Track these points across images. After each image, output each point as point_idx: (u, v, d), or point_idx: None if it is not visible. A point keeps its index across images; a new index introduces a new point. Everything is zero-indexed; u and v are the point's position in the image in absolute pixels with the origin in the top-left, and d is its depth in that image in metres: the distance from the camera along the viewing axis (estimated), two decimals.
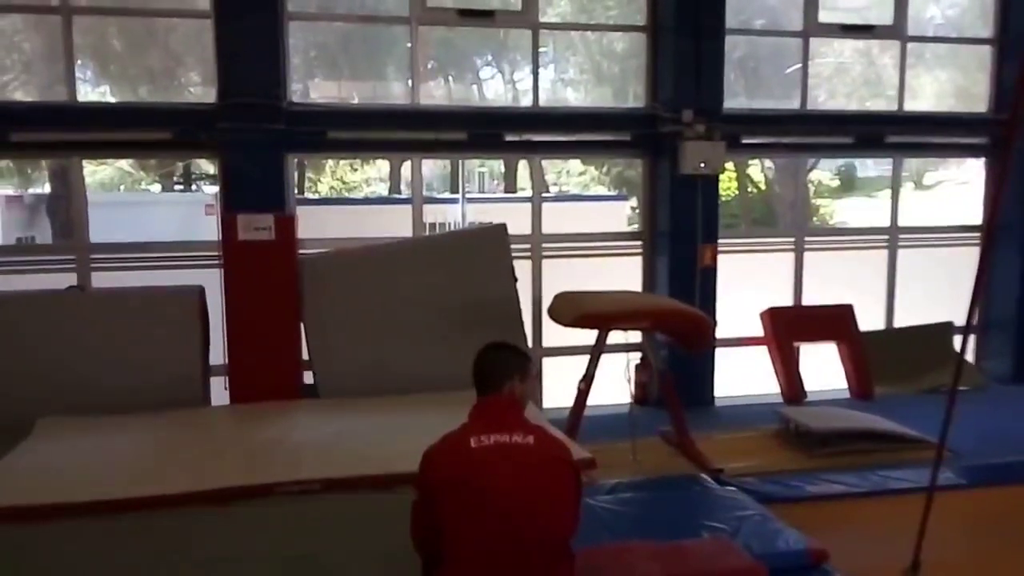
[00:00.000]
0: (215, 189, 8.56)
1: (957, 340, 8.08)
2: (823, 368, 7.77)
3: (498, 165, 17.01)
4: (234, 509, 4.08)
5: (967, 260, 7.67)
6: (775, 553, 3.86)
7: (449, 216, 11.99)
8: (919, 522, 3.96)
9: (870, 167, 16.08)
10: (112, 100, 7.16)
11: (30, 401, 5.35)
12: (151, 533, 3.83)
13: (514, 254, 6.51)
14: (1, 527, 3.84)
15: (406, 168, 12.55)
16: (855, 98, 8.53)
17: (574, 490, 2.69)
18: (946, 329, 8.02)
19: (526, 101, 7.49)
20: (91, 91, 7.20)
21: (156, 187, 16.65)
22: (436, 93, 7.71)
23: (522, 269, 6.80)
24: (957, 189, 12.39)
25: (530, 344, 6.82)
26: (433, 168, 15.88)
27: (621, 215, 12.73)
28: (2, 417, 5.20)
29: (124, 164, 14.91)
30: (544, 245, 7.41)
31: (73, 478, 4.34)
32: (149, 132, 6.41)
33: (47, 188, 12.10)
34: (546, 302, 6.18)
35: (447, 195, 14.86)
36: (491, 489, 2.53)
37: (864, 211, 15.20)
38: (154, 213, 11.66)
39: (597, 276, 6.97)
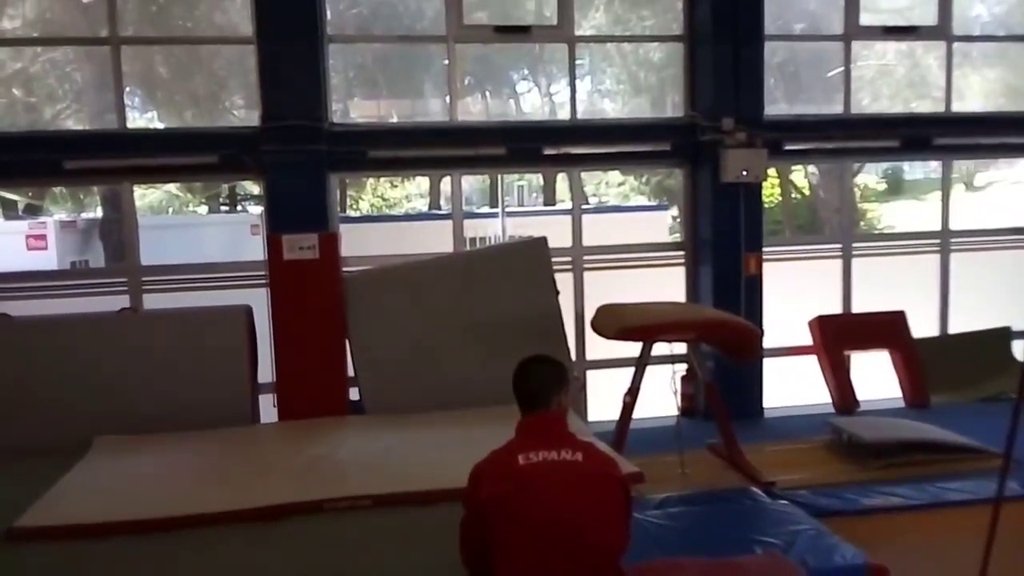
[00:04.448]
0: (260, 209, 8.73)
1: (1015, 345, 7.85)
2: (875, 377, 7.58)
3: (537, 178, 17.06)
4: (284, 526, 4.11)
5: None
6: (831, 569, 3.77)
7: (489, 231, 12.03)
8: (981, 535, 3.82)
9: (918, 169, 15.77)
10: (160, 126, 7.37)
11: (87, 420, 5.48)
12: (203, 550, 3.88)
13: (555, 267, 6.48)
14: (62, 544, 3.93)
15: (445, 183, 12.66)
16: (900, 100, 8.37)
17: (624, 507, 2.66)
18: (1004, 334, 7.78)
19: (563, 114, 7.49)
20: (139, 117, 7.43)
21: (203, 209, 17.07)
22: (473, 109, 7.76)
23: (564, 282, 6.76)
24: (1010, 189, 12.06)
25: (573, 357, 6.79)
26: (472, 183, 16.01)
27: (662, 225, 12.66)
28: (62, 436, 5.33)
29: (172, 187, 15.32)
30: (585, 257, 7.39)
31: (128, 497, 4.43)
32: (196, 156, 6.56)
33: (99, 213, 12.48)
34: (588, 315, 6.15)
35: (486, 209, 14.93)
36: (540, 506, 2.51)
37: (913, 214, 14.89)
38: (201, 234, 11.92)
39: (640, 287, 6.92)
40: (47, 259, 10.68)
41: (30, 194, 13.76)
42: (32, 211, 14.00)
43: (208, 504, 4.27)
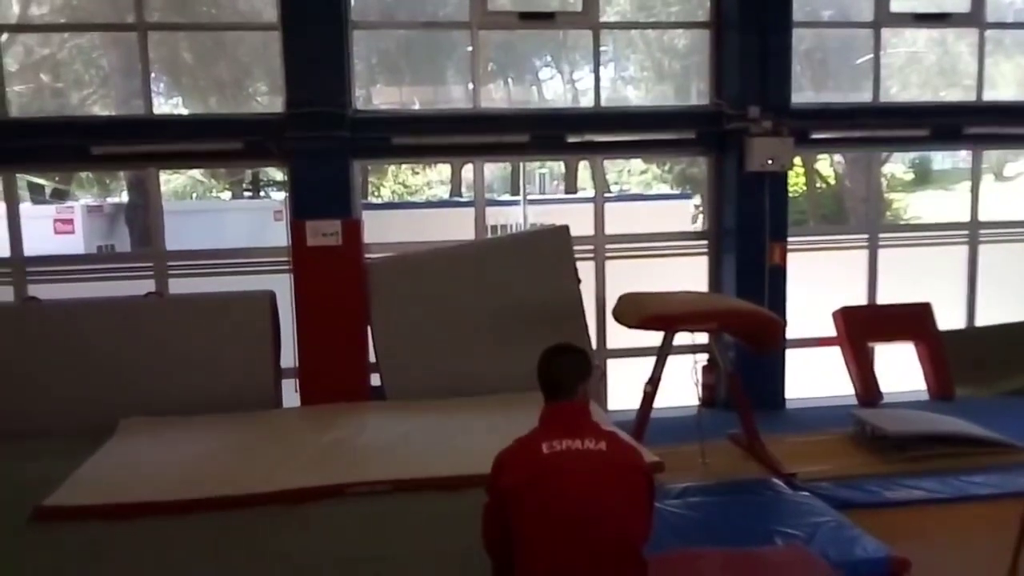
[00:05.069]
0: (283, 195, 8.77)
1: None
2: (900, 369, 7.50)
3: (558, 166, 17.00)
4: (305, 509, 4.16)
5: None
6: (854, 561, 3.75)
7: (510, 218, 12.01)
8: (1005, 529, 3.76)
9: (945, 159, 15.52)
10: (184, 112, 7.42)
11: (112, 403, 5.57)
12: (226, 532, 3.94)
13: (577, 255, 6.47)
14: (87, 524, 4.00)
15: (467, 171, 12.62)
16: (929, 88, 8.23)
17: (647, 496, 2.65)
18: None
19: (585, 101, 7.44)
20: (163, 103, 7.48)
21: (226, 194, 17.20)
22: (496, 95, 7.73)
23: (585, 270, 6.75)
24: None
25: (594, 346, 6.78)
26: (493, 170, 15.99)
27: (685, 214, 12.57)
28: (89, 418, 5.43)
29: (196, 173, 15.45)
30: (607, 246, 7.35)
31: (153, 479, 4.50)
32: (221, 142, 6.60)
33: (125, 197, 12.62)
34: (610, 303, 6.13)
35: (508, 197, 14.90)
36: (563, 495, 2.51)
37: (940, 205, 14.68)
38: (225, 220, 12.00)
39: (662, 276, 6.87)
40: (74, 243, 10.82)
41: (57, 179, 13.93)
42: (59, 195, 14.18)
43: (230, 487, 4.33)
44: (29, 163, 7.18)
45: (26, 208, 8.46)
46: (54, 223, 11.04)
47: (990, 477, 5.06)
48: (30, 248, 6.75)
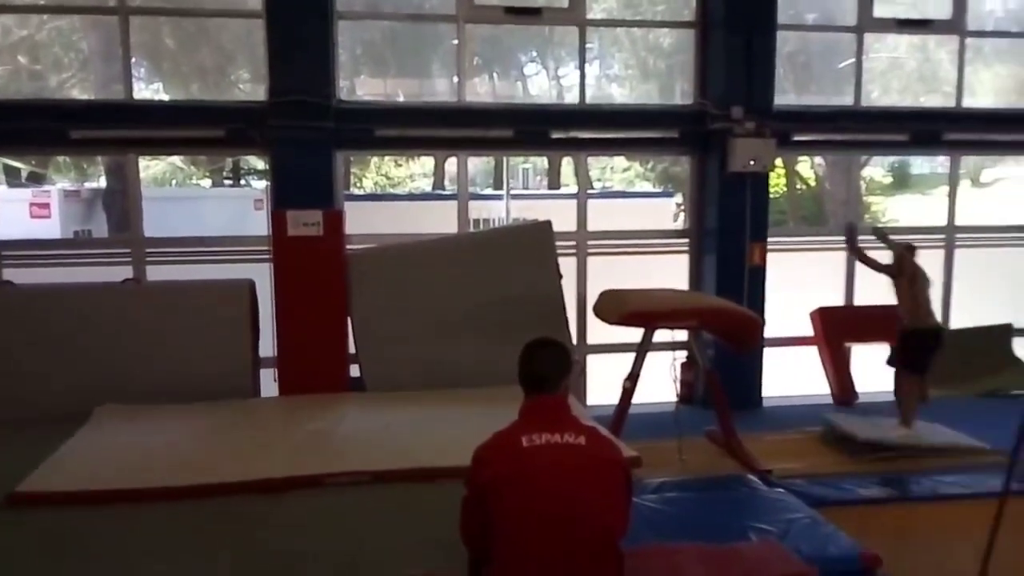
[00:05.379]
0: (263, 184, 8.70)
1: (1017, 343, 7.85)
2: (876, 369, 7.58)
3: (542, 161, 16.99)
4: (283, 499, 4.13)
5: None
6: (826, 558, 3.78)
7: (493, 212, 12.00)
8: (975, 528, 3.83)
9: (923, 164, 15.70)
10: (165, 97, 7.33)
11: (87, 390, 5.49)
12: (202, 521, 3.90)
13: (559, 251, 6.48)
14: (59, 511, 3.96)
15: (450, 164, 12.57)
16: (909, 94, 8.32)
17: (625, 491, 2.67)
18: (1006, 331, 7.79)
19: (570, 97, 7.45)
20: (144, 88, 7.38)
21: (206, 182, 17.01)
22: (480, 89, 7.72)
23: (567, 266, 6.76)
24: (1017, 186, 12.04)
25: (574, 342, 6.80)
26: (476, 164, 15.93)
27: (666, 212, 12.63)
28: (61, 405, 5.34)
29: (175, 159, 15.27)
30: (589, 242, 7.38)
31: (127, 466, 4.44)
32: (203, 129, 6.54)
33: (103, 182, 12.44)
34: (591, 299, 6.16)
35: (491, 191, 14.88)
36: (542, 489, 2.52)
37: (918, 209, 14.86)
38: (205, 208, 11.88)
39: (643, 274, 6.91)
40: (50, 227, 10.66)
41: (33, 162, 13.71)
42: (35, 179, 13.95)
43: (207, 476, 4.28)
44: (5, 146, 7.09)
45: (1, 191, 8.35)
46: (30, 207, 10.85)
47: (962, 478, 5.15)
48: (5, 232, 6.69)
